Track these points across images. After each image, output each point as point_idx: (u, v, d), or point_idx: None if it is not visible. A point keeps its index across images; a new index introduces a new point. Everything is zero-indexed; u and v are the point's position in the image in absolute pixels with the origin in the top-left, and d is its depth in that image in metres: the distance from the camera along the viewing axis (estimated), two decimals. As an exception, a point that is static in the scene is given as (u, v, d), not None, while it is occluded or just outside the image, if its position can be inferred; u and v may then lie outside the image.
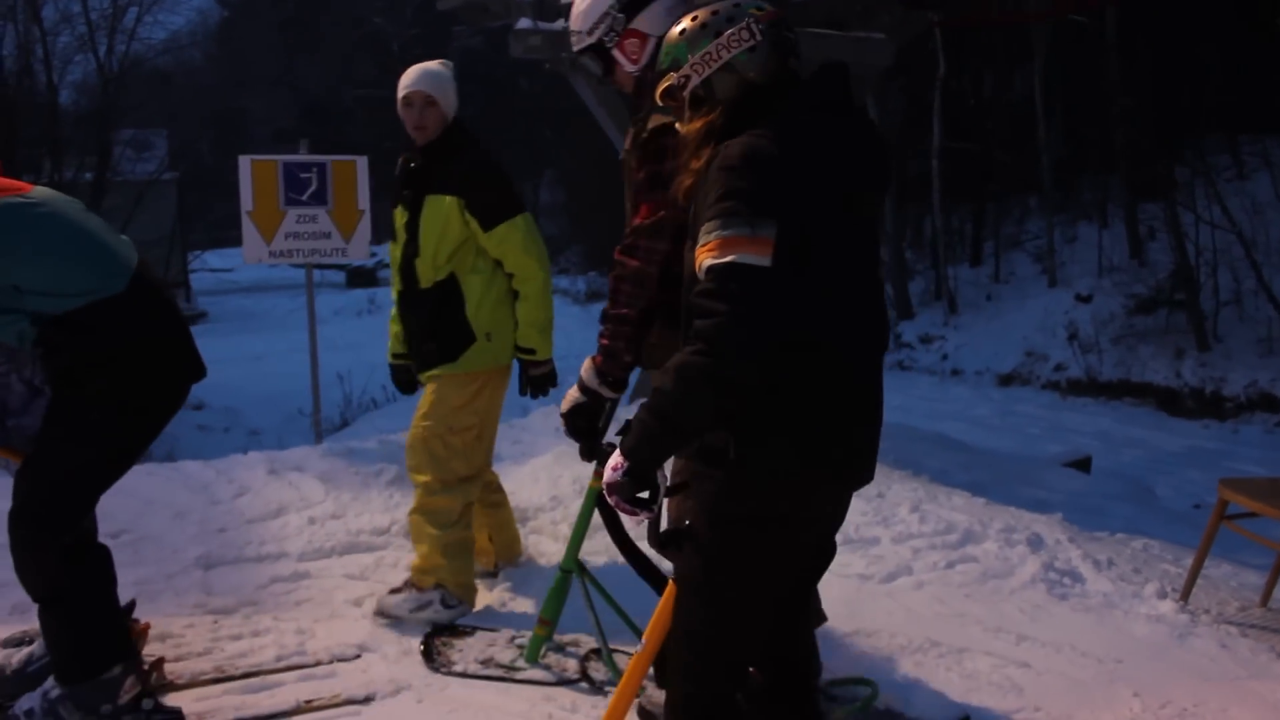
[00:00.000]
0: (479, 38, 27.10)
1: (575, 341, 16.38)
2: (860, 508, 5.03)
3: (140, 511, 4.95)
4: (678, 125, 2.45)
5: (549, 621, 3.69)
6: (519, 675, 3.62)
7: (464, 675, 3.63)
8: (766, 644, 2.57)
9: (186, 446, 11.59)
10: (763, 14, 2.38)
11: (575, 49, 3.33)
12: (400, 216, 4.18)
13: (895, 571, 4.41)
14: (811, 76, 2.40)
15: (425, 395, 4.21)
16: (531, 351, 4.13)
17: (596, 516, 3.20)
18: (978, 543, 4.68)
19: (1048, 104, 19.19)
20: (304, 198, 6.21)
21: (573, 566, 3.58)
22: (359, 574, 4.60)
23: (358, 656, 3.78)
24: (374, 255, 21.15)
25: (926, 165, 19.61)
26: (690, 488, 2.40)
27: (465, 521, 4.18)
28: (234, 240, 20.60)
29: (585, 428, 3.24)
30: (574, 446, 3.49)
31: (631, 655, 3.57)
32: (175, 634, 3.93)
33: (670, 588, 2.47)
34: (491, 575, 4.49)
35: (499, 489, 4.57)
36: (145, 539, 4.76)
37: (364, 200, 6.42)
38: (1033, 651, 3.77)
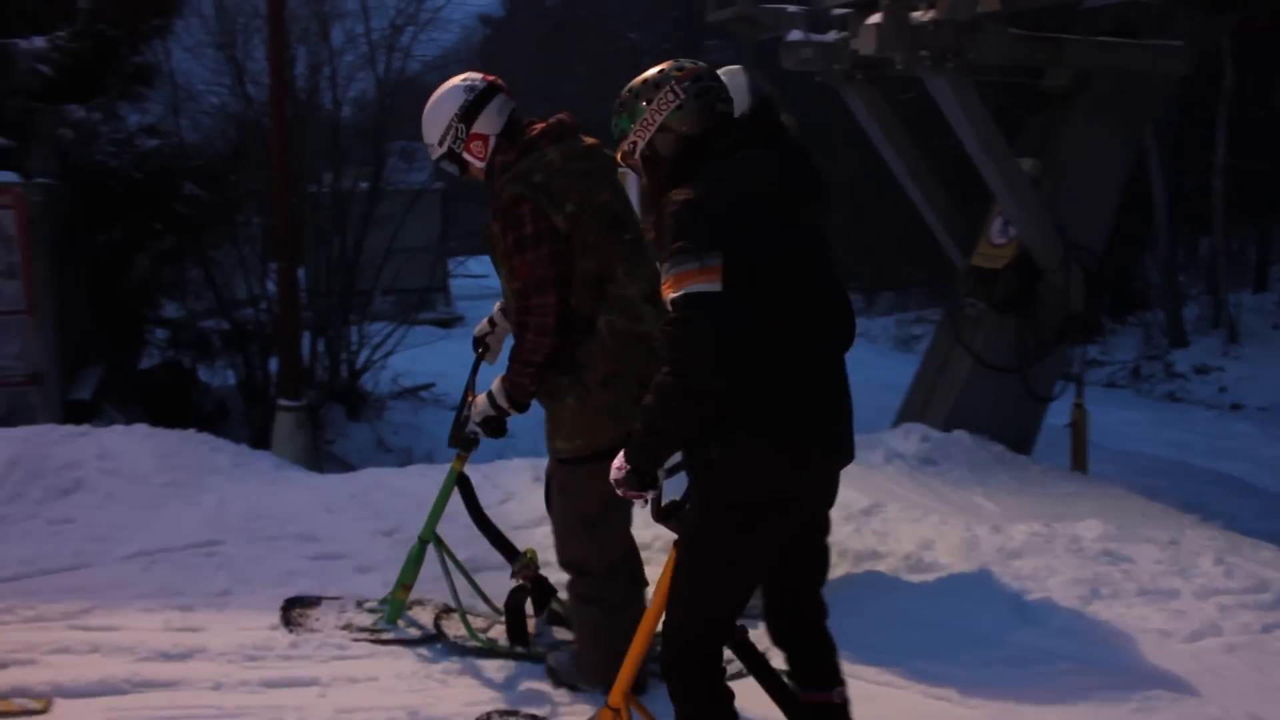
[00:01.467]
0: (729, 51, 27.14)
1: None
2: (1154, 555, 4.62)
3: (411, 512, 5.09)
4: (641, 182, 2.86)
5: (409, 586, 4.08)
6: (384, 636, 3.98)
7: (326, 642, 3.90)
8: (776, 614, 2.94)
9: (444, 447, 11.98)
10: (683, 73, 2.76)
11: (432, 160, 3.76)
12: None
13: (1200, 630, 4.00)
14: (743, 116, 2.80)
15: None
16: None
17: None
18: (1297, 605, 4.19)
19: (1351, 116, 17.47)
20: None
21: (430, 537, 4.00)
22: (620, 587, 4.57)
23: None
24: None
25: (1204, 183, 18.20)
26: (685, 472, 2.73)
27: None
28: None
29: (493, 432, 3.78)
30: None
31: (479, 616, 4.04)
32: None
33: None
34: None
35: None
36: (416, 539, 4.89)
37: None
38: (1381, 741, 3.30)
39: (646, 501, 2.70)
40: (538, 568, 3.88)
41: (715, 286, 2.49)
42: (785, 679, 2.90)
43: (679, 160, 2.72)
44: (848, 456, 2.77)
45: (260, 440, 8.93)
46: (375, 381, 13.09)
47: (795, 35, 7.30)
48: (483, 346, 4.08)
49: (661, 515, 2.73)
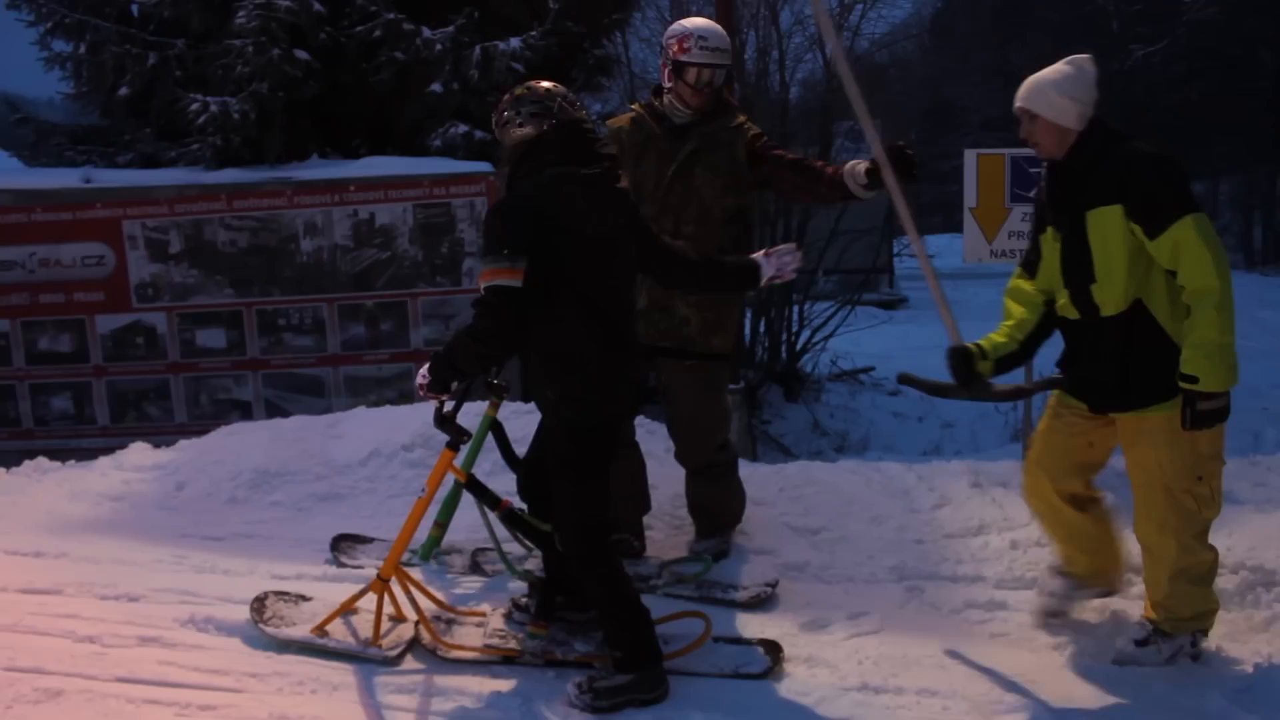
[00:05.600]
0: (1211, 9, 24.29)
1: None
2: None
3: (841, 510, 4.92)
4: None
5: (444, 524, 4.44)
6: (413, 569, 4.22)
7: (360, 567, 4.42)
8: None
9: (880, 433, 11.72)
10: (527, 92, 3.47)
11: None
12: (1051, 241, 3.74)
13: None
14: (556, 138, 3.41)
15: (1147, 451, 3.60)
16: (1194, 380, 3.36)
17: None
18: None
19: None
20: (1031, 194, 5.70)
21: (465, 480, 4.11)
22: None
23: None
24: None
25: None
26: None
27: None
28: (933, 227, 20.70)
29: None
30: None
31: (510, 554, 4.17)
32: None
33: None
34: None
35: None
36: (843, 540, 4.72)
37: (1095, 197, 5.73)
38: None
39: (441, 402, 3.58)
40: None
41: (516, 283, 3.26)
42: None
43: (514, 165, 3.45)
44: (636, 389, 3.78)
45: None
46: (814, 363, 13.03)
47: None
48: None
49: (439, 421, 3.64)
